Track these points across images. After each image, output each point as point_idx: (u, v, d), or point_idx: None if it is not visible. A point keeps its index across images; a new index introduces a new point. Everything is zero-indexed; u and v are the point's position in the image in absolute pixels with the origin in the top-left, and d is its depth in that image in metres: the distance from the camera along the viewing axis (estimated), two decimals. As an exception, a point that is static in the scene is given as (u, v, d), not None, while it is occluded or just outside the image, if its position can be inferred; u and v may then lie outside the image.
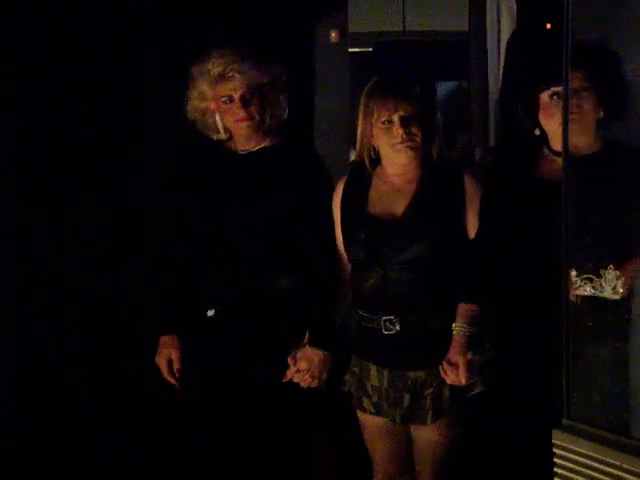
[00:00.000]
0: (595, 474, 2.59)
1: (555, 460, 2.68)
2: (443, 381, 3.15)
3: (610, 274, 2.74)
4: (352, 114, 4.06)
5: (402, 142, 3.16)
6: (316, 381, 3.31)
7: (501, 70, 3.93)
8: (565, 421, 2.69)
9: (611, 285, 2.77)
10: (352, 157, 4.05)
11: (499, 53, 3.93)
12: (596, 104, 3.20)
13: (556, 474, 2.69)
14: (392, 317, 3.19)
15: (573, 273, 2.72)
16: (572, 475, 2.65)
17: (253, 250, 3.40)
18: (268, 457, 3.45)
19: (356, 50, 4.35)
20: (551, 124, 3.33)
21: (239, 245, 3.41)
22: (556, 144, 3.34)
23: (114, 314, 4.24)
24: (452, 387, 3.16)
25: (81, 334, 4.21)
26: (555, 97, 3.29)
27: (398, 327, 3.18)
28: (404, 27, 4.15)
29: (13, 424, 4.12)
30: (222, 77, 3.37)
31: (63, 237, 4.16)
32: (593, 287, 2.73)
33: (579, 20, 2.63)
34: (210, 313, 3.48)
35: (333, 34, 4.27)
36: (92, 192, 4.19)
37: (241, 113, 3.38)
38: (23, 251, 4.14)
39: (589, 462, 2.60)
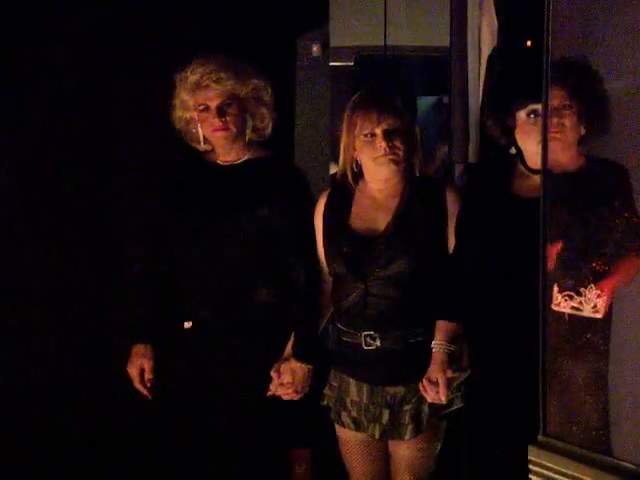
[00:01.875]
0: (570, 491, 2.60)
1: (530, 476, 2.68)
2: (422, 397, 3.15)
3: (590, 293, 2.74)
4: (333, 128, 4.08)
5: (385, 155, 3.17)
6: (298, 395, 3.31)
7: (481, 86, 3.94)
8: (541, 437, 2.69)
9: (591, 304, 2.78)
10: (332, 171, 4.05)
11: (480, 69, 3.94)
12: (577, 122, 3.20)
13: (531, 490, 2.69)
14: (372, 332, 3.18)
15: (555, 289, 2.72)
16: (547, 491, 2.65)
17: (232, 263, 3.39)
18: (245, 470, 3.44)
19: (337, 64, 4.35)
20: (528, 142, 3.34)
21: (218, 257, 3.40)
22: (532, 162, 3.35)
23: (93, 320, 4.22)
24: (431, 403, 3.16)
25: (57, 341, 4.18)
26: (532, 115, 3.30)
27: (378, 342, 3.18)
28: (385, 42, 4.16)
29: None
30: (199, 85, 3.37)
31: (44, 244, 4.14)
32: (573, 305, 2.74)
33: (559, 37, 2.64)
34: (187, 325, 3.47)
35: (314, 48, 4.27)
36: (72, 201, 4.17)
37: (217, 123, 3.38)
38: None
39: (564, 479, 2.60)
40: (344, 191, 3.31)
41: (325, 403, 3.38)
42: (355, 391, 3.26)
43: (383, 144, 3.16)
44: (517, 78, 3.54)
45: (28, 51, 4.01)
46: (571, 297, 2.74)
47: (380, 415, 3.22)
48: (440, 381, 3.09)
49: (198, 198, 3.47)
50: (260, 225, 3.37)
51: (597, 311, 2.83)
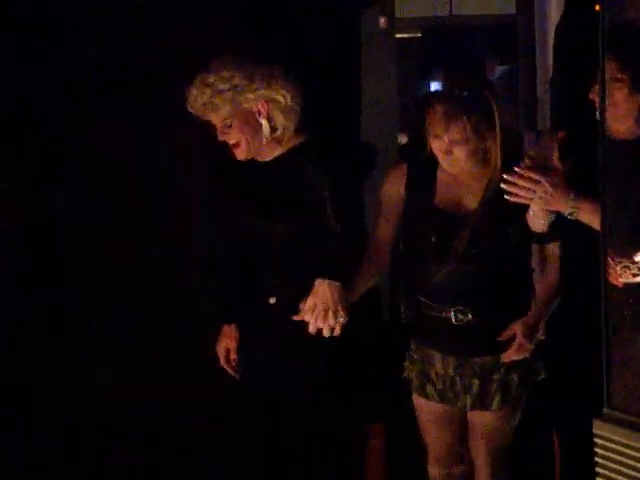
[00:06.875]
0: (636, 464, 2.57)
1: (596, 450, 2.66)
2: (510, 366, 3.20)
3: None
4: (399, 100, 4.05)
5: (449, 157, 3.14)
6: (329, 315, 3.14)
7: (550, 54, 3.86)
8: (606, 410, 2.66)
9: None
10: (401, 142, 4.03)
11: (547, 36, 3.87)
12: (630, 93, 3.12)
13: (597, 464, 2.67)
14: (462, 307, 3.20)
15: (611, 262, 2.71)
16: (613, 465, 2.63)
17: (285, 257, 3.37)
18: (322, 445, 3.47)
19: (403, 36, 4.31)
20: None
21: (271, 253, 3.40)
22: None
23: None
24: (520, 372, 3.21)
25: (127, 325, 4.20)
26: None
27: (469, 317, 3.20)
28: (451, 11, 4.12)
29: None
30: (202, 105, 3.28)
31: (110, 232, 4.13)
32: (633, 273, 2.71)
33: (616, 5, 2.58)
34: (272, 301, 3.47)
35: (381, 20, 4.24)
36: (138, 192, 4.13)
37: (229, 140, 3.32)
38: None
39: (630, 452, 2.58)
40: (426, 166, 3.27)
41: (405, 375, 3.39)
42: (440, 364, 3.28)
43: (448, 150, 3.11)
44: (586, 45, 3.46)
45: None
46: (628, 267, 2.72)
47: (470, 386, 3.24)
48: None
49: (245, 197, 3.42)
50: (311, 211, 3.32)
51: None
